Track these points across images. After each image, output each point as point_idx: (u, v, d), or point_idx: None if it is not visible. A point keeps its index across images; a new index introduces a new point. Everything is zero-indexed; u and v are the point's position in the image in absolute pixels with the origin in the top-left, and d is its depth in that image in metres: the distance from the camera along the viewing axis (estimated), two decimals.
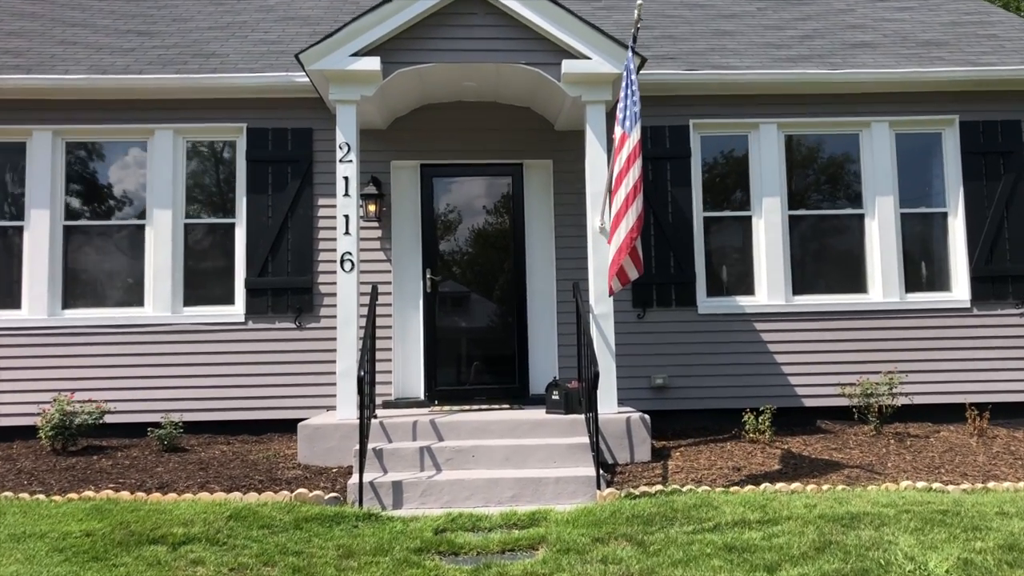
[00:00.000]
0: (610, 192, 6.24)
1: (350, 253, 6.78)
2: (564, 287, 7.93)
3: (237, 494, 5.67)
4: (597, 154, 6.95)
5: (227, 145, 8.17)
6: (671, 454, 6.79)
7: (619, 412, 6.75)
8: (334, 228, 7.37)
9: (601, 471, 5.91)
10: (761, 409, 7.27)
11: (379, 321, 7.75)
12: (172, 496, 5.65)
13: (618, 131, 6.00)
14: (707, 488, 5.81)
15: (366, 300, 6.88)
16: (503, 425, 6.54)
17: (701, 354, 7.97)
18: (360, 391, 5.84)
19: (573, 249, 7.96)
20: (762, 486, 5.82)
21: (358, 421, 5.99)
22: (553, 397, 6.83)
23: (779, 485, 5.83)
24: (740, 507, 5.26)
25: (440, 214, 8.11)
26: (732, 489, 5.77)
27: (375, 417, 6.70)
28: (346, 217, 6.82)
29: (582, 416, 6.63)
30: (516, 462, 6.20)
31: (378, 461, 6.17)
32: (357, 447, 5.95)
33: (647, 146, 7.89)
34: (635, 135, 5.86)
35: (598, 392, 6.17)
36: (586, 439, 6.37)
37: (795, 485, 5.82)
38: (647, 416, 6.64)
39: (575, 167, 8.02)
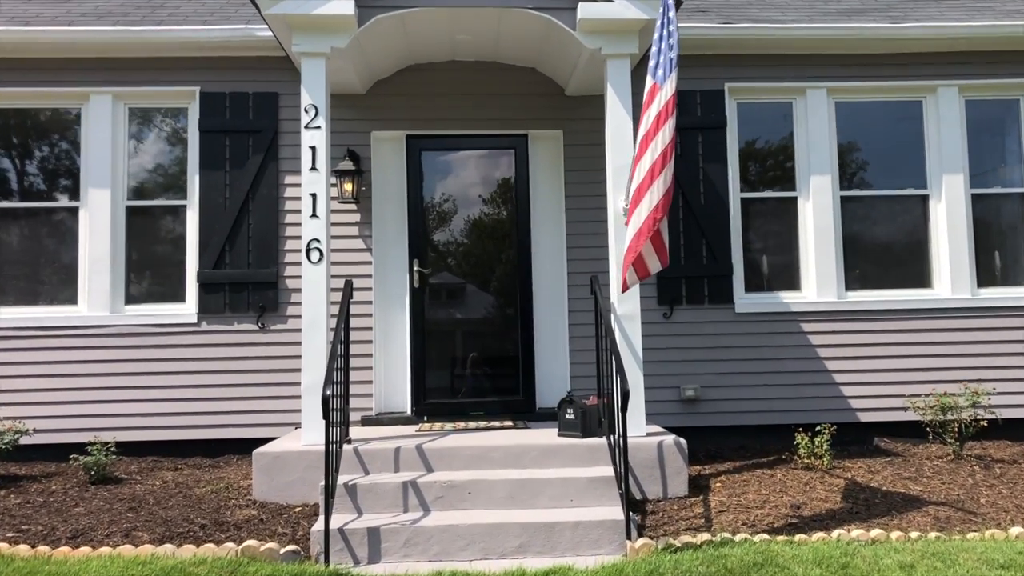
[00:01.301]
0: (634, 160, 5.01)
1: (318, 240, 5.53)
2: (577, 281, 6.70)
3: (169, 546, 4.43)
4: (620, 121, 5.69)
5: (177, 113, 6.89)
6: (711, 485, 5.57)
7: (648, 435, 5.52)
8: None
9: (631, 513, 4.69)
10: (816, 428, 6.06)
11: (356, 322, 6.51)
12: (84, 550, 4.41)
13: (648, 81, 4.75)
14: (764, 536, 4.59)
15: (340, 297, 5.63)
16: (506, 452, 5.31)
17: (738, 360, 6.75)
18: (327, 414, 4.60)
19: (588, 236, 6.72)
20: (835, 533, 4.61)
21: (331, 447, 4.76)
22: (567, 416, 5.60)
23: (855, 532, 4.62)
24: (815, 567, 4.06)
25: (430, 195, 6.86)
26: (797, 538, 4.55)
27: (348, 442, 5.47)
28: (313, 196, 5.56)
29: (603, 440, 5.40)
30: (523, 500, 4.97)
31: (351, 500, 4.94)
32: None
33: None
34: (669, 87, 4.62)
35: (615, 408, 4.95)
36: (609, 470, 5.14)
37: (875, 532, 4.61)
38: (683, 441, 5.41)
39: (590, 139, 6.77)
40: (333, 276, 6.40)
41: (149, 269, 6.80)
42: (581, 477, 5.05)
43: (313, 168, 5.58)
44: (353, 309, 6.50)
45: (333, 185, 6.64)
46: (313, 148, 5.59)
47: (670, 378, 6.66)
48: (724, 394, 6.72)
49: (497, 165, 6.92)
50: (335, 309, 5.71)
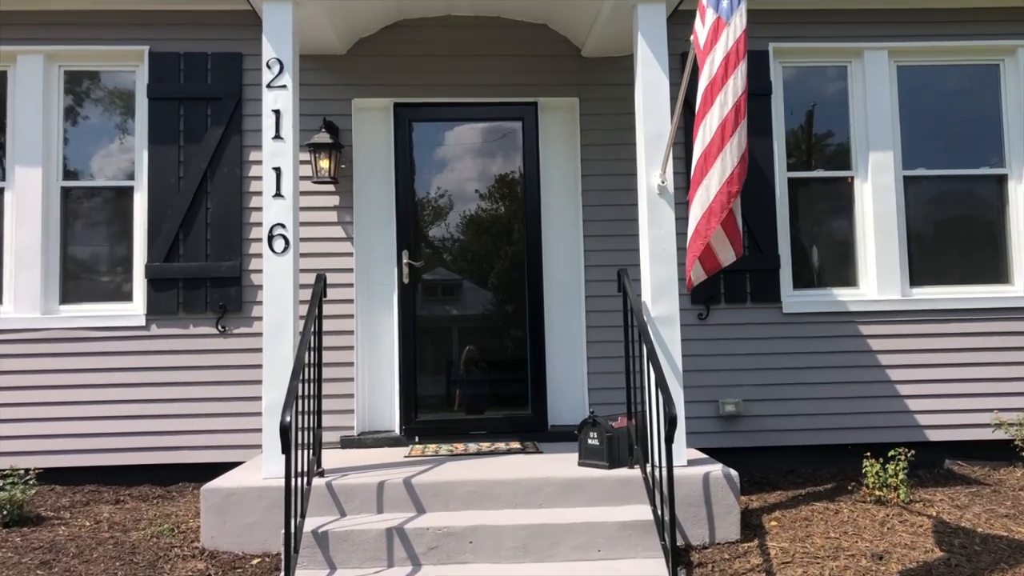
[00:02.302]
0: (672, 135, 3.99)
1: (283, 225, 4.49)
2: (597, 276, 5.66)
3: None
4: (654, 79, 4.66)
5: (122, 77, 5.83)
6: (764, 524, 4.55)
7: (690, 463, 4.49)
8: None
9: (676, 570, 3.67)
10: (889, 452, 5.03)
11: (334, 324, 5.47)
12: None
13: (708, 16, 3.71)
14: None
15: (317, 296, 4.59)
16: (516, 487, 4.28)
17: (786, 369, 5.72)
18: (286, 446, 3.56)
19: (610, 223, 5.68)
20: None
21: (295, 483, 3.72)
22: (590, 442, 4.56)
23: None
24: None
25: (422, 174, 5.81)
26: None
27: (321, 474, 4.43)
28: (277, 171, 4.52)
29: (635, 472, 4.37)
30: (539, 552, 3.95)
31: (322, 551, 3.91)
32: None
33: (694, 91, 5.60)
34: (738, 22, 3.60)
35: (653, 432, 3.93)
36: (645, 510, 4.12)
37: None
38: (733, 473, 4.38)
39: (612, 108, 5.74)
40: (304, 270, 5.36)
41: (88, 262, 5.74)
42: (611, 521, 4.03)
43: (277, 137, 4.53)
44: (330, 309, 5.46)
45: (306, 162, 5.59)
46: (277, 112, 4.54)
47: (707, 391, 5.64)
48: (769, 409, 5.70)
49: (501, 139, 5.86)
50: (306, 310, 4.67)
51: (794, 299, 5.81)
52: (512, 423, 5.62)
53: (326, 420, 5.36)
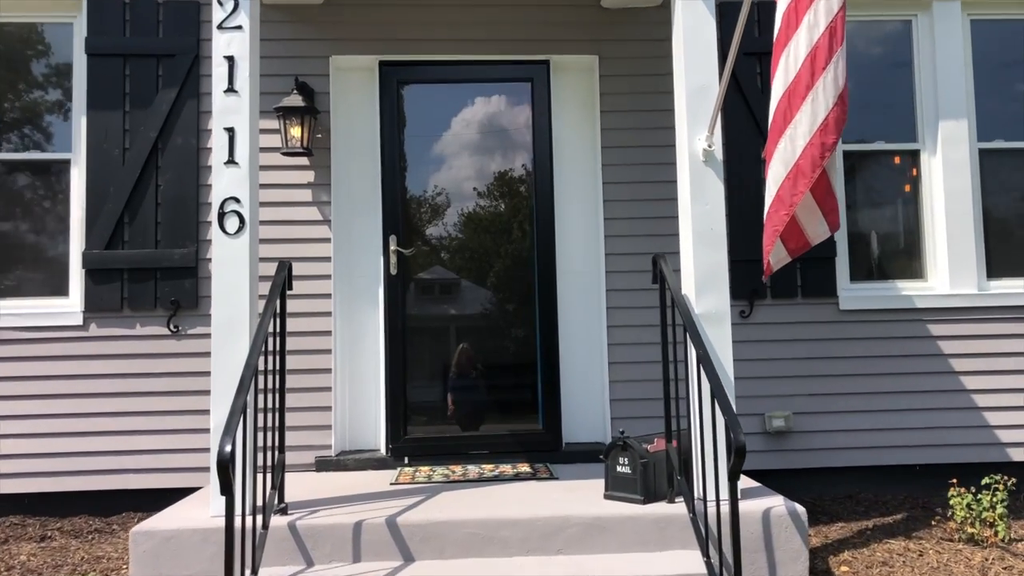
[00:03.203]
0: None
1: (238, 200, 3.60)
2: (620, 266, 4.78)
3: None
4: (697, 20, 3.77)
5: (55, 29, 4.94)
6: (833, 570, 3.67)
7: (743, 496, 3.60)
8: None
9: None
10: (986, 481, 4.14)
11: (308, 324, 4.59)
12: None
13: None
14: None
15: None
16: (528, 528, 3.39)
17: (844, 376, 4.84)
18: (226, 486, 2.67)
19: (635, 203, 4.80)
20: None
21: (251, 523, 2.83)
22: (620, 470, 3.67)
23: None
24: None
25: (413, 146, 4.92)
26: None
27: (284, 511, 3.54)
28: (230, 133, 3.63)
29: (678, 507, 3.48)
30: None
31: None
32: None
33: (743, 37, 4.74)
34: None
35: (705, 459, 3.06)
36: (693, 558, 3.25)
37: None
38: (800, 510, 3.49)
39: (638, 67, 4.87)
40: (270, 258, 4.46)
41: (15, 249, 4.84)
42: (650, 575, 3.14)
43: (230, 90, 3.64)
44: (304, 306, 4.58)
45: (274, 130, 4.70)
46: (230, 60, 3.65)
47: (751, 402, 4.75)
48: (824, 423, 4.82)
49: (507, 104, 4.98)
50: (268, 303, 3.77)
51: (852, 293, 4.93)
52: (519, 441, 4.72)
53: (298, 437, 4.49)
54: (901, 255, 5.11)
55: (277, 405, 3.68)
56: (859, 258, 5.06)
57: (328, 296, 4.70)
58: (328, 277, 4.71)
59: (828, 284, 4.87)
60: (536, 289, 4.82)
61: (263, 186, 4.57)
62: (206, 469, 4.51)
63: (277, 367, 3.64)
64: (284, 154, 4.67)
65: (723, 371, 3.59)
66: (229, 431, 2.73)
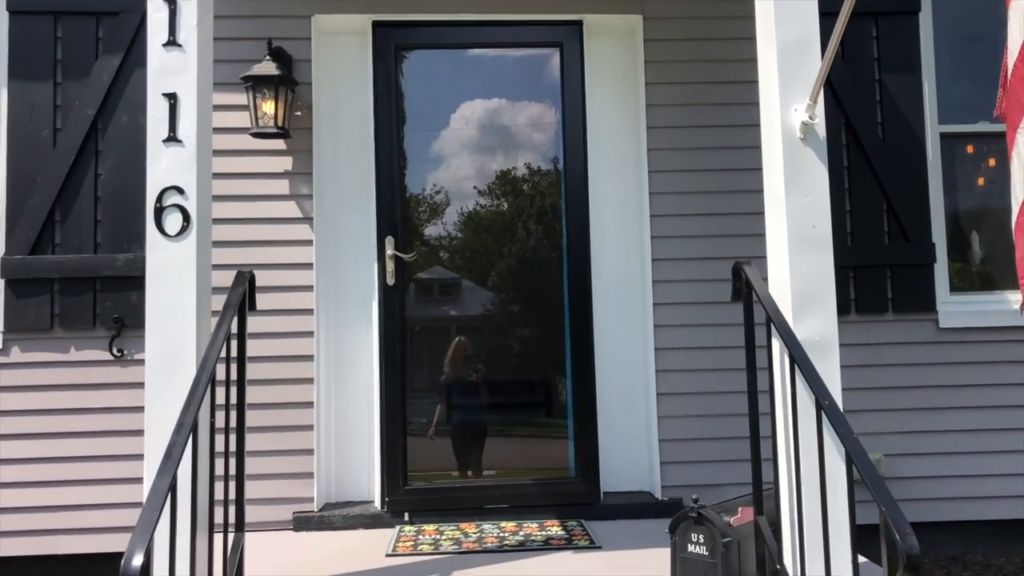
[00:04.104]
0: None
1: (180, 191, 2.67)
2: (670, 274, 3.87)
3: None
4: None
5: None
6: None
7: None
8: None
9: None
10: None
11: (284, 346, 3.70)
12: None
13: None
14: None
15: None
16: None
17: (946, 409, 3.94)
18: None
19: (690, 197, 3.90)
20: None
21: None
22: (692, 550, 2.75)
23: None
24: None
25: (415, 126, 4.00)
26: None
27: None
28: (171, 101, 2.70)
29: None
30: None
31: None
32: None
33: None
34: None
35: (804, 535, 2.16)
36: None
37: None
38: None
39: (694, 29, 3.98)
40: (229, 266, 3.52)
41: None
42: None
43: (172, 43, 2.71)
44: (279, 324, 3.68)
45: (242, 107, 3.78)
46: (171, 3, 2.72)
47: None
48: (922, 467, 3.91)
49: (529, 76, 4.06)
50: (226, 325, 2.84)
51: (953, 308, 4.03)
52: (547, 492, 3.81)
53: (272, 488, 3.60)
54: (1010, 260, 4.20)
55: (233, 450, 2.75)
56: (962, 266, 4.16)
57: (310, 312, 3.77)
58: (310, 289, 3.79)
59: (925, 296, 3.97)
60: (567, 304, 3.90)
61: (227, 176, 3.69)
62: None
63: (232, 403, 2.71)
64: (254, 135, 3.75)
65: (836, 414, 2.67)
66: (143, 534, 1.81)
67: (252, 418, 3.50)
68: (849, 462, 2.24)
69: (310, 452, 3.72)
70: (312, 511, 3.69)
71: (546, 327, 3.96)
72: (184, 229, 2.66)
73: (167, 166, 2.67)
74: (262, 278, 3.55)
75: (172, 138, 2.68)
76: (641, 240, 3.96)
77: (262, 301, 3.54)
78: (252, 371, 3.55)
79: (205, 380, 2.34)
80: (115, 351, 3.77)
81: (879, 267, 3.95)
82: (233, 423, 2.70)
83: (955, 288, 4.09)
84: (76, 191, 3.78)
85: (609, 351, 3.94)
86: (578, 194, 3.90)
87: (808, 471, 2.55)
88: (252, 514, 3.27)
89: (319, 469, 3.74)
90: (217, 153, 3.61)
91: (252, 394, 3.57)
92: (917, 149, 4.01)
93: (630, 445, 3.93)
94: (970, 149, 4.25)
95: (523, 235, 4.01)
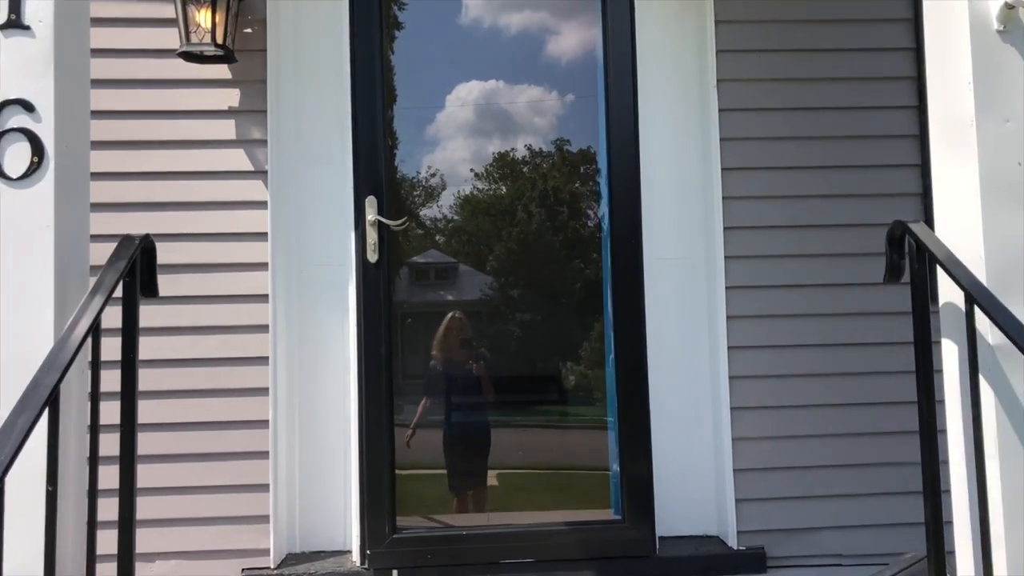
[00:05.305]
0: None
1: (29, 107, 1.68)
2: (748, 247, 2.87)
3: None
4: None
5: None
6: None
7: None
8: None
9: None
10: None
11: (227, 345, 2.72)
12: None
13: None
14: None
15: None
16: None
17: None
18: None
19: (780, 145, 2.89)
20: None
21: None
22: None
23: None
24: None
25: (405, 55, 3.01)
26: None
27: None
28: None
29: None
30: None
31: None
32: None
33: None
34: None
35: None
36: None
37: None
38: None
39: None
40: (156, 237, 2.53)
41: None
42: None
43: None
44: (220, 315, 2.72)
45: (168, 21, 2.77)
46: None
47: None
48: None
49: (562, 32, 3.07)
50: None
51: None
52: (583, 540, 2.83)
53: (214, 537, 2.65)
54: None
55: (80, 494, 1.78)
56: None
57: (263, 299, 2.79)
58: (263, 267, 2.79)
59: None
60: (609, 288, 2.92)
61: (146, 114, 2.71)
62: None
63: (89, 425, 1.73)
64: (185, 57, 2.75)
65: None
66: None
67: (185, 443, 2.58)
68: None
69: (264, 488, 2.75)
70: (267, 568, 2.72)
71: (578, 318, 2.99)
72: (34, 168, 1.68)
73: (5, 68, 1.68)
74: (196, 252, 2.61)
75: (12, 23, 1.68)
76: (707, 202, 2.97)
77: (194, 283, 2.58)
78: (183, 379, 2.62)
79: (49, 381, 1.36)
80: None
81: None
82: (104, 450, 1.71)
83: None
84: None
85: (662, 351, 2.96)
86: (624, 138, 2.90)
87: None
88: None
89: (277, 510, 2.77)
90: (131, 83, 2.66)
91: (183, 410, 2.63)
92: None
93: (692, 476, 2.95)
94: None
95: (555, 208, 3.03)
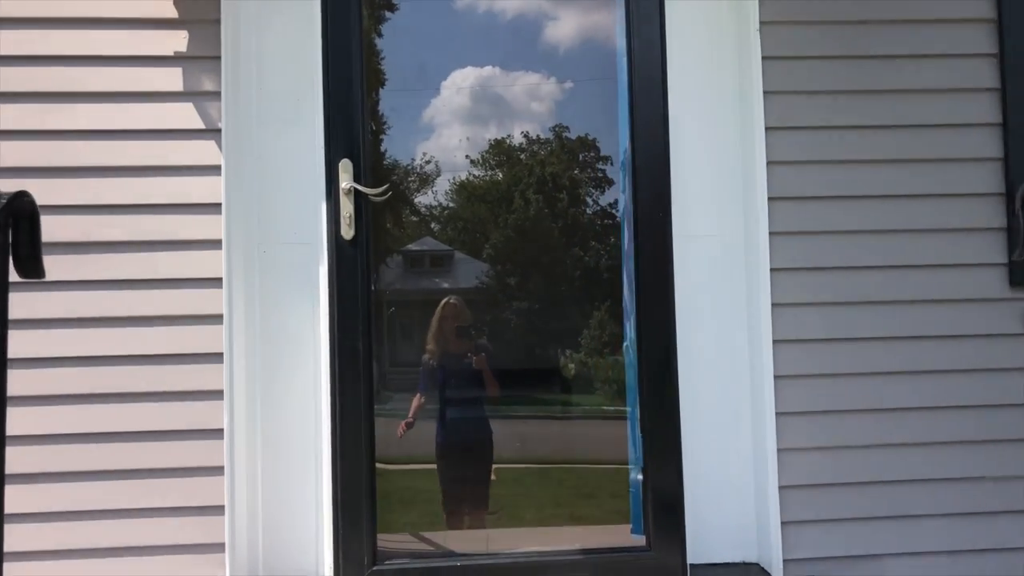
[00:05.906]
0: None
1: None
2: (796, 223, 2.40)
3: None
4: None
5: None
6: None
7: None
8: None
9: None
10: None
11: (172, 340, 2.24)
12: None
13: None
14: None
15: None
16: None
17: None
18: None
19: (833, 99, 2.41)
20: None
21: None
22: None
23: None
24: None
25: (390, 44, 2.54)
26: None
27: None
28: None
29: None
30: None
31: None
32: None
33: None
34: None
35: None
36: None
37: None
38: None
39: None
40: (66, 207, 2.04)
41: None
42: None
43: None
44: (163, 301, 2.25)
45: None
46: None
47: None
48: None
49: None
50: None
51: None
52: (600, 566, 2.38)
53: (159, 567, 2.18)
54: None
55: None
56: None
57: (216, 283, 2.31)
58: (216, 244, 2.32)
59: None
60: (634, 271, 2.45)
61: (74, 59, 2.23)
62: None
63: None
64: None
65: None
66: None
67: (120, 457, 2.14)
68: None
69: (219, 510, 2.29)
70: None
71: (604, 314, 2.53)
72: None
73: None
74: (132, 227, 2.15)
75: None
76: (748, 171, 2.50)
77: (130, 264, 2.12)
78: (118, 380, 2.17)
79: None
80: None
81: None
82: None
83: None
84: None
85: (692, 345, 2.50)
86: (650, 91, 2.43)
87: None
88: None
89: (235, 536, 2.31)
90: (50, 23, 2.17)
91: (118, 418, 2.19)
92: None
93: (729, 492, 2.50)
94: None
95: (569, 186, 2.56)
